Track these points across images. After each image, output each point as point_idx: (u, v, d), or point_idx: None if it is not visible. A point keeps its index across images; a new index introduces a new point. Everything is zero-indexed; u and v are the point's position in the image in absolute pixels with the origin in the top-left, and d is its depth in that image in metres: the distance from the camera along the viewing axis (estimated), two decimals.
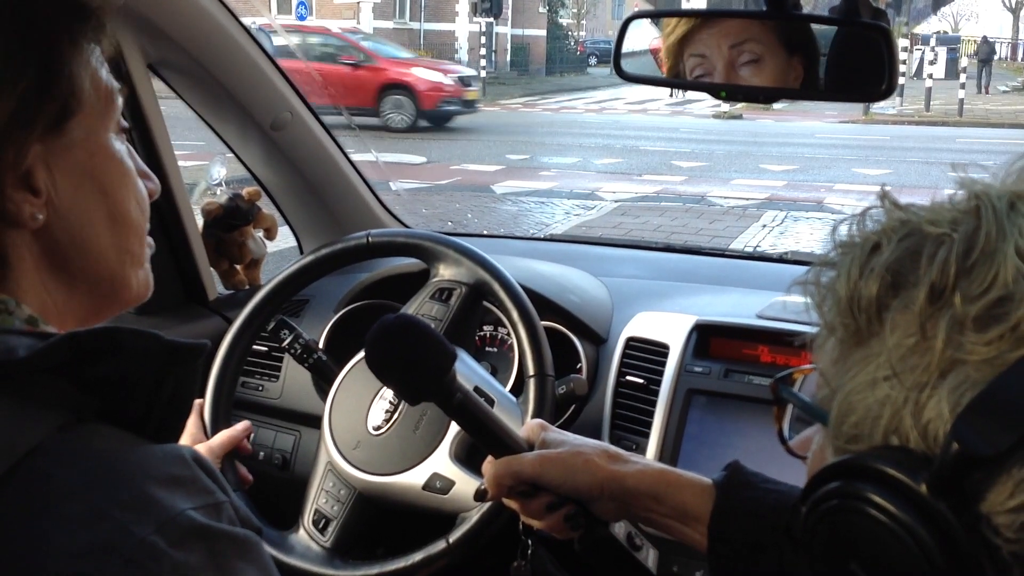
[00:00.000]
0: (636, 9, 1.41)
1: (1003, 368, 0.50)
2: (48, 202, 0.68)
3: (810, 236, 7.81)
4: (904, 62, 19.36)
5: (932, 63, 20.24)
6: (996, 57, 29.60)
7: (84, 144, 0.71)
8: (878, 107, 19.05)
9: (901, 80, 18.90)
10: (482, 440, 1.01)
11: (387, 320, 0.94)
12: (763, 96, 1.15)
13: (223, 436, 1.36)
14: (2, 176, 0.65)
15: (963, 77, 18.76)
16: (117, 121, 0.75)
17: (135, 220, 0.75)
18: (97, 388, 0.64)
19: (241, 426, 1.39)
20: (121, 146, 0.75)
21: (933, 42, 21.30)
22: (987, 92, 24.36)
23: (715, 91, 1.15)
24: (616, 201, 9.55)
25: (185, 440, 1.33)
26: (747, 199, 9.65)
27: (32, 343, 0.63)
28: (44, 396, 0.62)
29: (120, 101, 0.75)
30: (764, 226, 8.32)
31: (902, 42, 19.00)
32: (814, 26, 1.16)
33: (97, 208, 0.72)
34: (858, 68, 1.08)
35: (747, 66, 1.16)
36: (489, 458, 1.01)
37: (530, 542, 1.11)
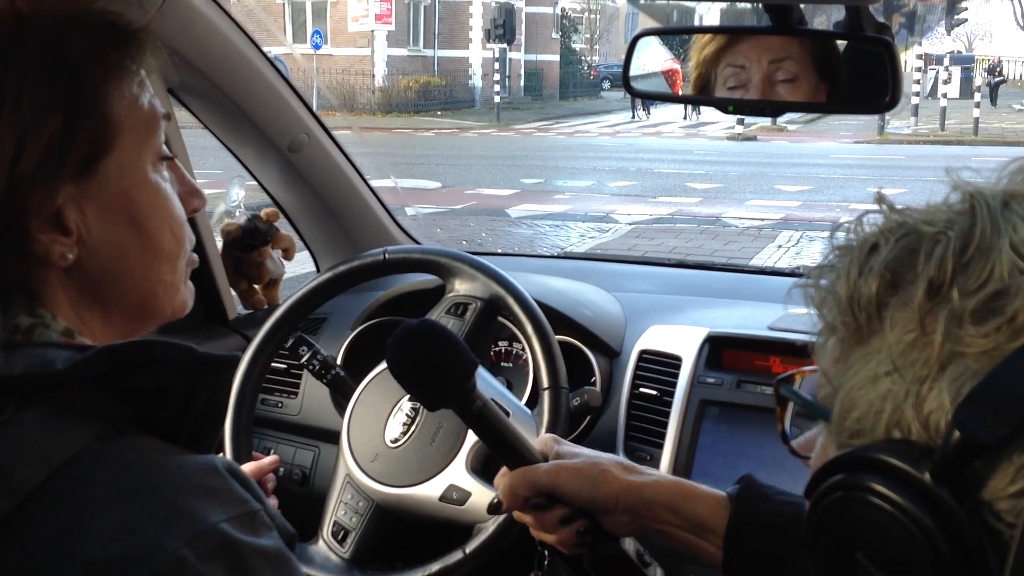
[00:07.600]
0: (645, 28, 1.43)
1: (1001, 359, 0.51)
2: (79, 240, 0.68)
3: None
4: (918, 82, 19.28)
5: (946, 82, 20.19)
6: (1010, 76, 29.80)
7: (118, 180, 0.69)
8: (893, 127, 19.00)
9: (915, 100, 18.86)
10: (498, 450, 1.00)
11: (411, 324, 0.92)
12: (769, 109, 1.17)
13: (249, 467, 1.35)
14: (29, 219, 0.65)
15: (977, 96, 18.69)
16: (157, 149, 0.73)
17: (168, 249, 0.74)
18: (133, 399, 0.65)
19: (268, 461, 1.37)
20: (158, 175, 0.73)
21: (947, 62, 21.26)
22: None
23: (722, 105, 1.17)
24: (631, 223, 9.56)
25: None
26: (762, 219, 9.63)
27: (70, 355, 0.64)
28: (82, 407, 0.63)
29: (163, 127, 0.73)
30: (780, 246, 8.31)
31: (916, 62, 18.94)
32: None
33: (130, 241, 0.71)
34: (863, 81, 1.10)
35: (783, 84, 1.15)
36: (503, 470, 1.00)
37: (546, 552, 1.10)
